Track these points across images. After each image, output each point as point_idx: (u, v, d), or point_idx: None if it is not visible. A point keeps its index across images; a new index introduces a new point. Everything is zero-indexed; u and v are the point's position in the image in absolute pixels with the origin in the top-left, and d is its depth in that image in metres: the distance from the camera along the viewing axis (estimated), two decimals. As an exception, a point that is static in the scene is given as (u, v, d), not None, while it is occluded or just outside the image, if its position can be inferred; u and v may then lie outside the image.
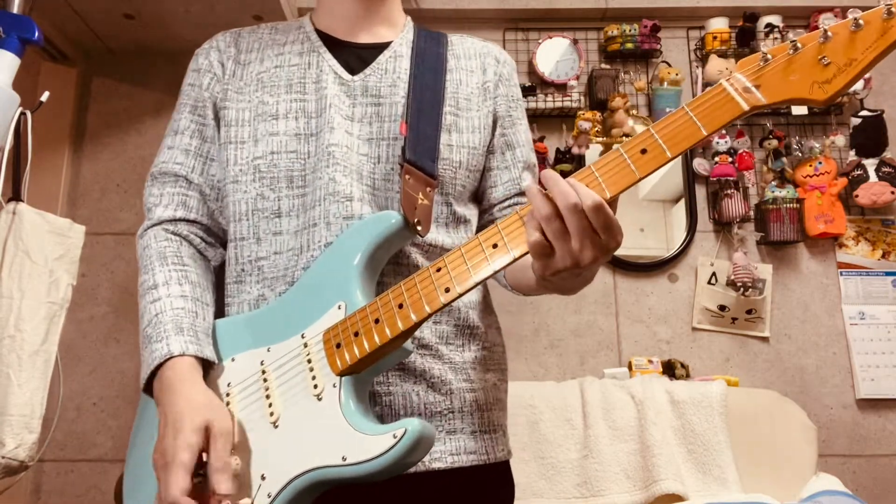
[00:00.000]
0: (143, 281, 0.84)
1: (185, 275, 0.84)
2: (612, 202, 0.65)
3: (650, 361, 2.22)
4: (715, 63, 2.41)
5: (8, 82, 1.40)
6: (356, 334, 0.71)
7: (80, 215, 2.35)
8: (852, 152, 2.36)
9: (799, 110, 2.42)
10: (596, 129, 2.35)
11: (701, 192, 2.42)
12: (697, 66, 2.51)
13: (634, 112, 2.41)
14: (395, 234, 0.77)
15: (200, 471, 0.69)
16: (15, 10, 1.45)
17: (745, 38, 2.40)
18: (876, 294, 2.35)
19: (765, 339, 2.32)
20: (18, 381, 1.52)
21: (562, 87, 2.44)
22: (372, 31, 0.94)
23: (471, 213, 0.93)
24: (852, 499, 1.75)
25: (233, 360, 0.80)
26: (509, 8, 2.50)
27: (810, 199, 2.33)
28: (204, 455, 0.70)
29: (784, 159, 2.35)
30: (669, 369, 2.21)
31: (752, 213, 2.37)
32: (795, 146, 2.36)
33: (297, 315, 0.77)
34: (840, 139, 2.35)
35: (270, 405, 0.74)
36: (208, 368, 0.79)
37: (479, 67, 0.95)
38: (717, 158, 2.35)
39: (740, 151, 2.35)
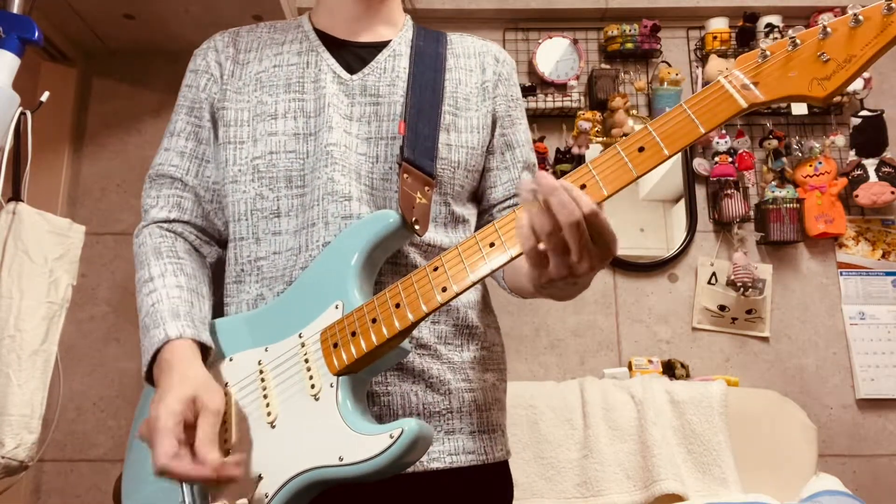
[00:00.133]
0: (140, 276, 0.84)
1: (180, 267, 0.84)
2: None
3: (650, 361, 2.22)
4: (715, 63, 2.41)
5: (8, 82, 1.40)
6: (353, 334, 0.71)
7: (80, 215, 2.35)
8: (852, 152, 2.36)
9: (799, 110, 2.42)
10: (596, 129, 2.34)
11: (701, 192, 2.41)
12: (697, 67, 2.50)
13: (634, 112, 2.40)
14: (393, 233, 0.77)
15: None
16: (15, 10, 1.45)
17: (745, 38, 2.40)
18: (876, 294, 2.34)
19: (765, 339, 2.31)
20: (18, 381, 1.52)
21: (562, 87, 2.44)
22: (371, 31, 0.93)
23: (469, 213, 0.93)
24: (852, 499, 1.74)
25: (231, 359, 0.79)
26: (509, 8, 2.50)
27: (810, 199, 2.33)
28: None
29: (784, 159, 2.34)
30: (669, 369, 2.21)
31: (752, 213, 2.37)
32: (795, 146, 2.36)
33: (294, 315, 0.77)
34: (840, 139, 2.34)
35: (268, 405, 0.74)
36: (206, 356, 0.78)
37: (478, 67, 0.94)
38: (717, 158, 2.34)
39: (740, 151, 2.35)
